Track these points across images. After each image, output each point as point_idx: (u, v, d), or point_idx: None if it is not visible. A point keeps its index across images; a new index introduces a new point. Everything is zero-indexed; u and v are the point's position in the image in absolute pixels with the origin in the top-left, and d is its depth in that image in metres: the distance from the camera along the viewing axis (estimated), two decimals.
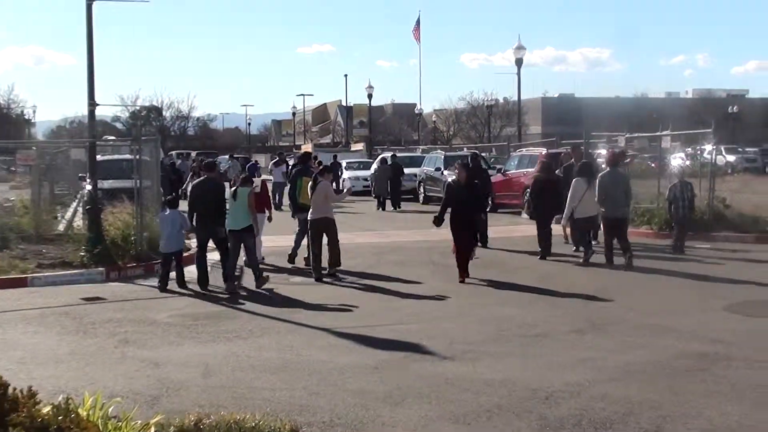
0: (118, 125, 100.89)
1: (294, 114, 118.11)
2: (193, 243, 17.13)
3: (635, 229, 22.18)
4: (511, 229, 23.77)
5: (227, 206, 15.96)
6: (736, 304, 13.28)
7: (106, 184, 22.55)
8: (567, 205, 18.08)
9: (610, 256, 17.38)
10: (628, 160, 23.01)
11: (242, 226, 15.68)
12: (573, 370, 9.52)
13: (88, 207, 18.97)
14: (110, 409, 6.42)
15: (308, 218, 16.74)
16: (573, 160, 20.46)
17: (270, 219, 18.38)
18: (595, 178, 17.74)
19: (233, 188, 16.07)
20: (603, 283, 15.46)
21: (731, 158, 57.59)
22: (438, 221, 16.22)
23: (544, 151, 30.55)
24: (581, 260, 17.78)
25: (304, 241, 17.88)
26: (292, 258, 18.24)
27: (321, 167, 18.03)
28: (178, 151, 68.11)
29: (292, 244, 18.45)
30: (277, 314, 13.13)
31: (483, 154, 42.69)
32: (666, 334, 11.31)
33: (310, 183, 16.87)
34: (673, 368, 9.57)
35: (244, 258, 16.14)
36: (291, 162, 40.19)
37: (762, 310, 13.00)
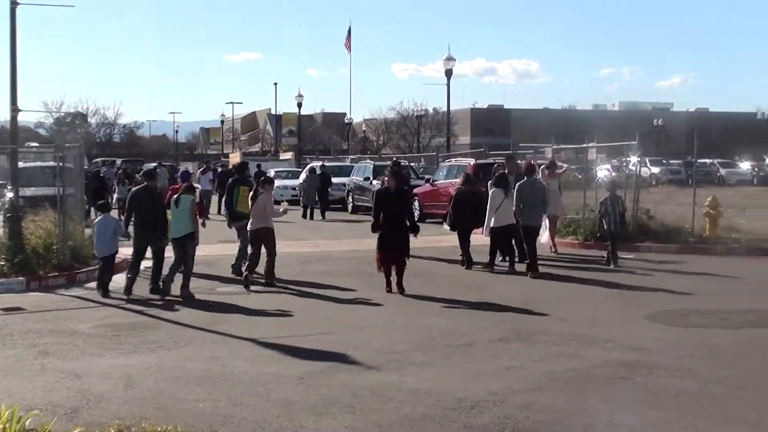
0: (42, 132, 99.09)
1: (222, 122, 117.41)
2: (128, 250, 16.97)
3: (561, 239, 22.45)
4: (438, 239, 23.85)
5: (169, 214, 15.98)
6: (658, 313, 13.49)
7: (28, 191, 22.13)
8: (486, 216, 18.39)
9: (533, 263, 17.74)
10: (560, 170, 23.26)
11: (184, 233, 15.67)
12: (498, 379, 9.56)
13: (8, 215, 18.59)
14: (28, 422, 6.31)
15: (248, 228, 16.77)
16: (507, 170, 20.54)
17: (204, 224, 18.23)
18: (511, 188, 18.22)
19: (176, 195, 16.04)
20: (529, 293, 15.59)
21: (656, 170, 58.66)
22: (376, 227, 16.04)
23: (472, 161, 30.77)
24: (506, 269, 18.31)
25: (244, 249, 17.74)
26: (242, 268, 17.92)
27: (263, 178, 18.05)
28: (103, 159, 67.32)
29: (236, 254, 18.23)
30: (203, 324, 12.99)
31: (412, 164, 42.96)
32: (590, 343, 11.43)
33: (251, 194, 16.88)
34: (596, 377, 9.67)
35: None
36: (218, 169, 40.05)
37: (682, 319, 13.20)
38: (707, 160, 65.85)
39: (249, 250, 17.10)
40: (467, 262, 18.90)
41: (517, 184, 18.20)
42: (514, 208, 18.01)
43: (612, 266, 18.81)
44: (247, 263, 16.81)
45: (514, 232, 18.36)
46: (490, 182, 19.89)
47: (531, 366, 10.17)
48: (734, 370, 9.98)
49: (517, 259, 18.42)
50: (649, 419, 8.10)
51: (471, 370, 10.02)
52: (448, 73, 44.68)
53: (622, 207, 19.87)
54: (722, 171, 67.17)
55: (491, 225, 18.44)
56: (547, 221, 21.42)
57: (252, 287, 16.24)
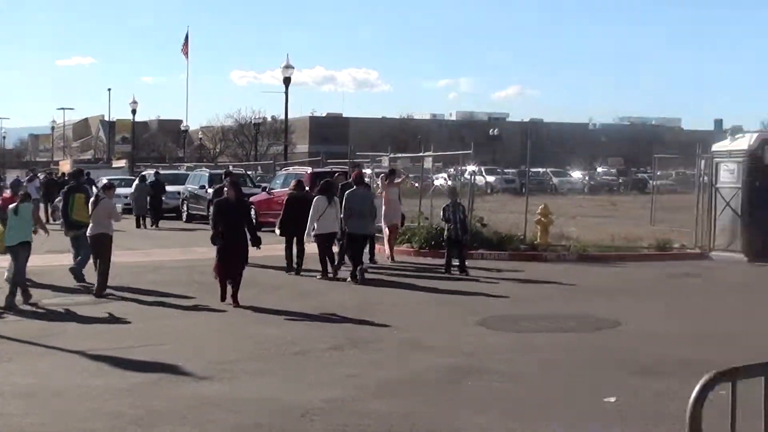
0: None
1: (53, 128, 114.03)
2: None
3: (397, 247, 22.66)
4: (274, 248, 23.71)
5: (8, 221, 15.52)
6: (490, 319, 13.77)
7: None
8: (308, 222, 18.44)
9: (359, 270, 17.89)
10: (400, 179, 23.51)
11: (19, 241, 15.26)
12: (332, 387, 9.57)
13: None
14: None
15: (87, 234, 16.53)
16: (352, 179, 20.61)
17: (35, 232, 17.69)
18: (334, 196, 18.60)
19: (14, 204, 15.57)
20: (363, 301, 15.69)
21: (491, 179, 59.96)
22: (216, 238, 15.70)
23: (309, 170, 30.78)
24: (341, 276, 18.49)
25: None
26: (79, 277, 17.67)
27: (105, 183, 17.77)
28: None
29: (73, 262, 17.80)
30: (30, 337, 12.55)
31: (249, 173, 42.65)
32: (422, 349, 11.58)
33: (92, 199, 16.53)
34: (427, 382, 9.81)
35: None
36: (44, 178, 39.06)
37: (513, 324, 13.52)
38: (540, 169, 67.65)
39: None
40: (296, 268, 19.31)
41: (346, 192, 18.43)
42: (341, 215, 18.27)
43: (446, 273, 19.13)
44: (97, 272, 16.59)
45: (333, 239, 18.65)
46: (316, 189, 20.02)
47: (365, 373, 10.23)
48: (562, 372, 10.27)
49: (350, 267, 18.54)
50: (477, 422, 8.25)
51: (305, 379, 10.01)
52: (287, 81, 44.62)
53: (463, 214, 20.24)
54: (555, 180, 69.06)
55: (316, 232, 18.50)
56: (386, 230, 21.64)
57: (84, 297, 15.93)
